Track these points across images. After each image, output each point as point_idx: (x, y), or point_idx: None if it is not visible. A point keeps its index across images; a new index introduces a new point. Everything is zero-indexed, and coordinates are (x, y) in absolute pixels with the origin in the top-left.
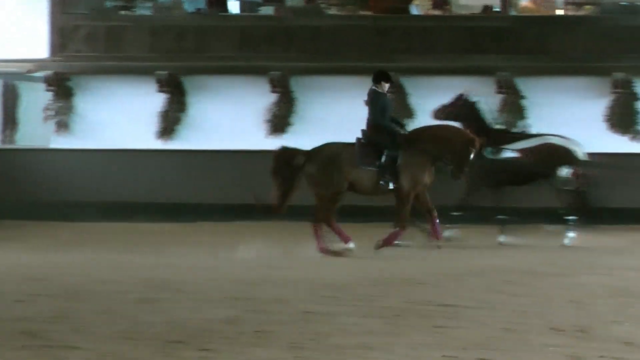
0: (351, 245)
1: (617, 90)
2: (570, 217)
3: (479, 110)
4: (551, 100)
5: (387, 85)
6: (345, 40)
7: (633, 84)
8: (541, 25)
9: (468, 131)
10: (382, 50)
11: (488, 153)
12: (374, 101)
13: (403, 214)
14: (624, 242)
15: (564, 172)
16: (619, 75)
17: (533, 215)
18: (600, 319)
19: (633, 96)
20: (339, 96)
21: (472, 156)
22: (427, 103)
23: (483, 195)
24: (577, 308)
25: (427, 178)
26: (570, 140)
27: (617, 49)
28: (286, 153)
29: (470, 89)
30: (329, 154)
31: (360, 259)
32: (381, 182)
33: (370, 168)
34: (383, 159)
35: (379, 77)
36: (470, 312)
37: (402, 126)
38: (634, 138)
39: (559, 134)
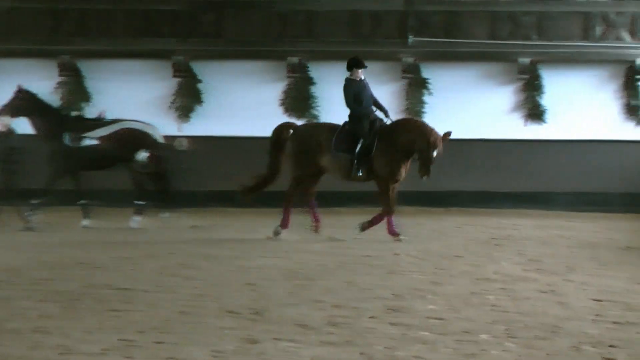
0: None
1: (292, 74)
2: (140, 201)
3: (44, 102)
4: (229, 84)
5: (359, 72)
6: (19, 23)
7: (308, 69)
8: (217, 8)
9: (434, 131)
10: (57, 33)
11: (67, 140)
12: (345, 89)
13: (384, 202)
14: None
15: (142, 155)
16: (294, 59)
17: (118, 198)
18: (275, 302)
19: (308, 80)
20: None
21: (434, 156)
22: (105, 87)
23: (68, 180)
24: (253, 291)
25: (402, 170)
26: (148, 125)
27: (293, 33)
28: (283, 126)
29: (24, 83)
30: (311, 133)
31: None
32: (354, 170)
33: (343, 154)
34: (358, 147)
35: (350, 64)
36: (147, 296)
37: (387, 114)
38: (308, 122)
39: (137, 119)
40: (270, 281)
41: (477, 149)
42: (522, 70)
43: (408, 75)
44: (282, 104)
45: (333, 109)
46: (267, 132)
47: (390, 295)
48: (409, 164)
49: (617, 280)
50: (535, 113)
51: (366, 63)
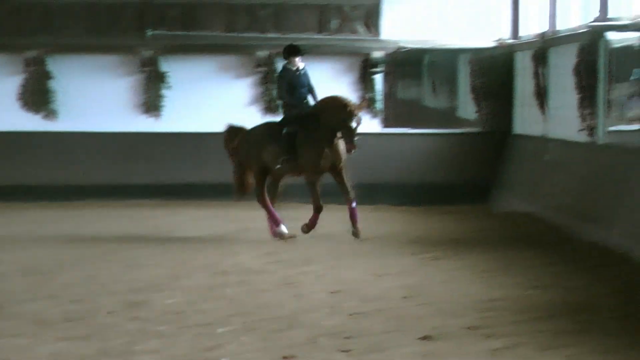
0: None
1: (29, 68)
2: None
3: None
4: None
5: (297, 60)
6: None
7: (46, 63)
8: None
9: (349, 102)
10: (23, 28)
11: None
12: (279, 78)
13: (313, 195)
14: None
15: None
16: (32, 53)
17: None
18: (11, 298)
19: (46, 75)
20: None
21: (354, 124)
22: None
23: None
24: None
25: (329, 154)
26: None
27: (30, 26)
28: (230, 131)
29: None
30: (258, 130)
31: None
32: (281, 160)
33: (272, 146)
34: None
35: (285, 52)
36: None
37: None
38: (46, 117)
39: None
40: (8, 277)
41: (215, 141)
42: (260, 62)
43: (146, 69)
44: (20, 99)
45: (72, 103)
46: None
47: (128, 289)
48: (334, 152)
49: (352, 271)
50: (273, 105)
51: (105, 56)
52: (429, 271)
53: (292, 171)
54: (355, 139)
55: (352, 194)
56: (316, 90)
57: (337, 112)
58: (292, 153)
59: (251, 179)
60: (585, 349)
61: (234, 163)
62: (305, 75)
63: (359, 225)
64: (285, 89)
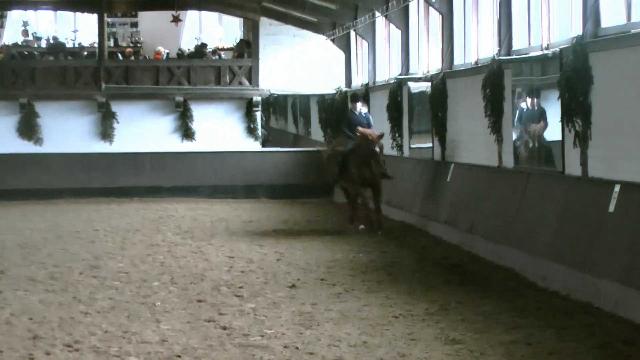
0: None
1: (23, 110)
2: None
3: None
4: None
5: (358, 104)
6: None
7: (33, 106)
8: None
9: (369, 133)
10: (17, 82)
11: None
12: (345, 117)
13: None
14: None
15: None
16: (23, 100)
17: None
18: (13, 264)
19: (34, 114)
20: None
21: (377, 148)
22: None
23: None
24: None
25: (365, 172)
26: None
27: (22, 81)
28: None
29: None
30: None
31: None
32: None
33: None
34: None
35: (350, 99)
36: None
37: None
38: (35, 143)
39: None
40: (7, 250)
41: (148, 158)
42: (178, 105)
43: (102, 110)
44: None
45: (52, 133)
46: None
47: (92, 257)
48: (369, 171)
49: (242, 243)
50: (188, 134)
51: (73, 101)
52: (292, 242)
53: (348, 182)
54: (382, 161)
55: (379, 206)
56: (372, 127)
57: (366, 142)
58: (344, 171)
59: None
60: (395, 291)
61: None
62: (365, 116)
63: (381, 227)
64: (345, 124)
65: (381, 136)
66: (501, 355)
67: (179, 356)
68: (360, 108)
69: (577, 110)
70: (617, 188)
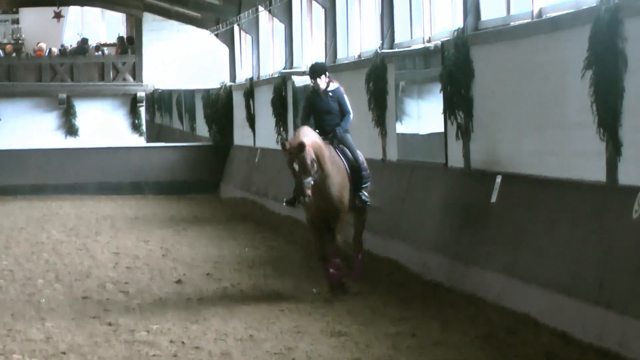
0: None
1: None
2: None
3: None
4: None
5: (316, 81)
6: None
7: None
8: None
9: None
10: None
11: None
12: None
13: None
14: None
15: None
16: None
17: None
18: None
19: None
20: None
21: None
22: None
23: None
24: None
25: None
26: None
27: None
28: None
29: None
30: None
31: None
32: None
33: None
34: None
35: (309, 75)
36: None
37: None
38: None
39: None
40: None
41: (32, 156)
42: (61, 102)
43: None
44: None
45: None
46: None
47: None
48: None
49: (128, 240)
50: (71, 130)
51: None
52: (178, 238)
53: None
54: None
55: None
56: (350, 115)
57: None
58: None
59: None
60: (281, 285)
61: None
62: (334, 97)
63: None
64: (305, 115)
65: (301, 146)
66: (387, 346)
67: (64, 353)
68: (326, 85)
69: (459, 104)
70: (498, 179)
